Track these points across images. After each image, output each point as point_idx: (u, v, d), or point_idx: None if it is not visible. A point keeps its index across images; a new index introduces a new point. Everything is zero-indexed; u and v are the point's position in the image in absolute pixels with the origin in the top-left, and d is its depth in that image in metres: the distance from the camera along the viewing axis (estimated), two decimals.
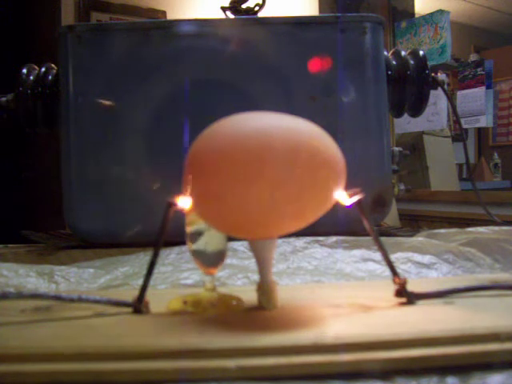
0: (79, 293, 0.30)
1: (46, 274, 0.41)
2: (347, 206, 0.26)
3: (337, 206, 0.27)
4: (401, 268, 0.42)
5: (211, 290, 0.29)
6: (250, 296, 0.28)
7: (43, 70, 0.63)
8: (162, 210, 0.26)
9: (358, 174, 0.54)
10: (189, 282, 0.38)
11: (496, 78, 2.52)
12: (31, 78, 0.62)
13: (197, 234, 0.28)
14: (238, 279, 0.39)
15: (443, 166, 2.28)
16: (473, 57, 2.73)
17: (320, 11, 2.68)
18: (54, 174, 0.68)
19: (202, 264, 0.29)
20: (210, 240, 0.28)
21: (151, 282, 0.28)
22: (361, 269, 0.43)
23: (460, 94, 2.24)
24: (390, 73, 0.62)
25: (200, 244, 0.28)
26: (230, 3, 0.67)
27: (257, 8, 0.67)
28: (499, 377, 0.21)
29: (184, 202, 0.26)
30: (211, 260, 0.28)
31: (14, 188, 2.00)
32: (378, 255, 0.45)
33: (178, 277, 0.39)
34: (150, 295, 0.28)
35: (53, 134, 0.65)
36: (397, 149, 0.65)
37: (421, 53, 0.64)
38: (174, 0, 2.39)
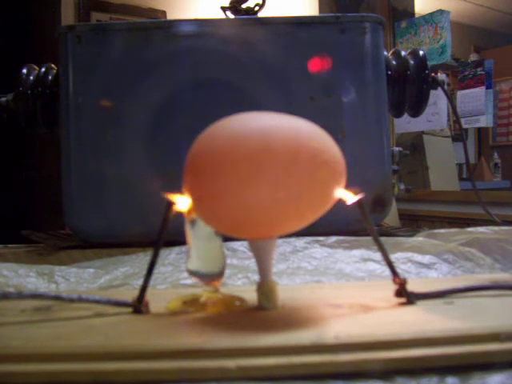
0: (79, 293, 0.30)
1: (45, 274, 0.41)
2: (347, 206, 0.26)
3: (337, 205, 0.27)
4: (401, 268, 0.42)
5: (214, 292, 0.29)
6: (250, 296, 0.28)
7: (43, 70, 0.63)
8: (162, 210, 0.26)
9: (358, 173, 0.54)
10: (189, 282, 0.38)
11: (496, 77, 2.52)
12: (31, 78, 0.62)
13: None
14: (238, 279, 0.39)
15: (443, 166, 2.28)
16: (473, 57, 2.74)
17: (320, 11, 2.68)
18: (54, 174, 0.68)
19: (202, 280, 0.29)
20: (208, 259, 0.29)
21: (151, 282, 0.28)
22: (361, 269, 0.43)
23: (460, 94, 2.24)
24: (389, 73, 0.62)
25: (197, 265, 0.28)
26: (230, 3, 0.67)
27: (257, 8, 0.67)
28: (499, 377, 0.21)
29: (184, 202, 0.26)
30: (210, 277, 0.29)
31: (14, 188, 2.00)
32: (378, 255, 0.45)
33: (177, 277, 0.39)
34: (149, 295, 0.28)
35: (53, 134, 0.65)
36: (397, 149, 0.65)
37: (421, 53, 0.64)
38: (174, 0, 2.39)
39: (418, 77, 0.63)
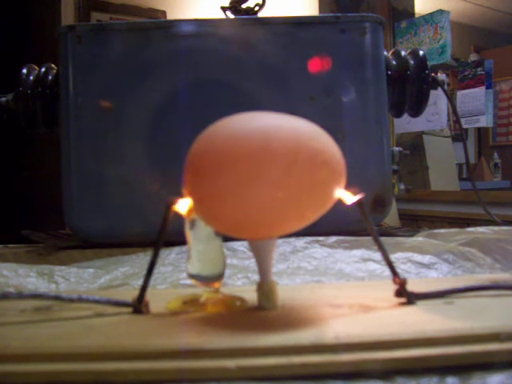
0: (79, 293, 0.30)
1: (45, 274, 0.41)
2: (347, 206, 0.26)
3: (337, 205, 0.27)
4: (401, 268, 0.42)
5: (214, 292, 0.29)
6: (250, 296, 0.28)
7: (43, 70, 0.63)
8: (162, 210, 0.26)
9: (358, 173, 0.54)
10: (189, 281, 0.38)
11: (496, 77, 2.52)
12: (31, 78, 0.62)
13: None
14: (237, 279, 0.39)
15: (443, 166, 2.28)
16: (473, 57, 2.74)
17: (320, 11, 2.68)
18: (54, 174, 0.68)
19: (203, 284, 0.29)
20: (208, 262, 0.29)
21: (151, 282, 0.28)
22: (361, 269, 0.43)
23: (460, 94, 2.24)
24: (389, 73, 0.62)
25: (197, 268, 0.28)
26: (230, 3, 0.67)
27: (257, 8, 0.67)
28: (499, 377, 0.21)
29: (184, 202, 0.26)
30: (211, 280, 0.29)
31: (14, 188, 2.00)
32: (378, 255, 0.45)
33: (177, 277, 0.39)
34: (149, 295, 0.28)
35: (53, 134, 0.65)
36: (397, 149, 0.65)
37: (421, 53, 0.64)
38: (174, 0, 2.39)
39: (418, 77, 0.63)
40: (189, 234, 0.28)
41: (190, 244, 0.28)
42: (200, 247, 0.28)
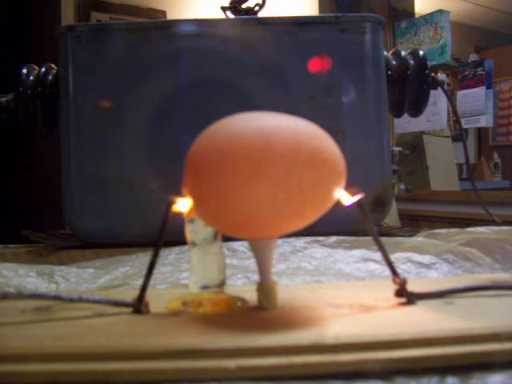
0: (79, 293, 0.30)
1: (45, 274, 0.41)
2: (347, 206, 0.26)
3: (337, 205, 0.27)
4: (401, 268, 0.42)
5: (216, 292, 0.29)
6: (250, 296, 0.28)
7: (43, 70, 0.63)
8: (162, 210, 0.26)
9: (358, 173, 0.54)
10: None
11: (496, 77, 2.52)
12: (31, 78, 0.62)
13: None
14: (237, 279, 0.39)
15: (443, 166, 2.28)
16: (473, 57, 2.73)
17: (320, 11, 2.67)
18: (54, 174, 0.68)
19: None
20: (209, 273, 0.29)
21: (151, 282, 0.28)
22: (361, 269, 0.43)
23: (460, 94, 2.24)
24: (389, 73, 0.62)
25: (199, 280, 0.29)
26: (230, 3, 0.67)
27: (257, 8, 0.67)
28: (499, 377, 0.21)
29: (184, 202, 0.26)
30: (213, 287, 0.29)
31: (13, 188, 2.00)
32: (378, 255, 0.45)
33: (177, 277, 0.39)
34: (149, 295, 0.28)
35: (53, 133, 0.65)
36: (397, 149, 0.65)
37: (421, 53, 0.64)
38: (174, 0, 2.39)
39: (418, 77, 0.63)
40: (189, 236, 0.28)
41: (192, 256, 0.28)
42: (201, 254, 0.28)
